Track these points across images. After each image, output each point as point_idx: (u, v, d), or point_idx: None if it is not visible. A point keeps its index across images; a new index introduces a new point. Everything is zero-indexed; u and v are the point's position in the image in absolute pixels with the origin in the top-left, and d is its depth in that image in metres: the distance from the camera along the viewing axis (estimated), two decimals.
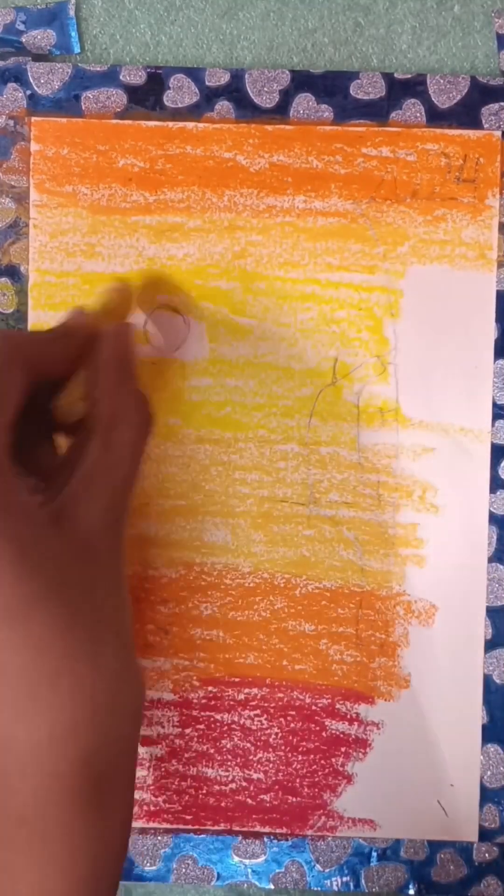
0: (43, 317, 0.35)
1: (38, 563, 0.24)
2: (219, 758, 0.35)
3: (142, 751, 0.35)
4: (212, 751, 0.35)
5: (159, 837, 0.35)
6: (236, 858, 0.35)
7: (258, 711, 0.35)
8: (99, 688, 0.24)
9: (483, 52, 0.35)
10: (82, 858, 0.24)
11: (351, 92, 0.35)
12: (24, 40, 0.35)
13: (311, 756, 0.35)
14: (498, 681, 0.35)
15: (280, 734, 0.35)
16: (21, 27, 0.35)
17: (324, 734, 0.35)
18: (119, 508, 0.27)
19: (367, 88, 0.35)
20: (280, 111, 0.35)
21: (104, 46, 0.35)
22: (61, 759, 0.23)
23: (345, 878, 0.34)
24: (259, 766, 0.35)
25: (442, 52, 0.35)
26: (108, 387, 0.28)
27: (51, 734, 0.23)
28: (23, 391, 0.26)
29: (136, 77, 0.35)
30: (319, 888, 0.35)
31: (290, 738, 0.35)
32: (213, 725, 0.35)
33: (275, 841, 0.35)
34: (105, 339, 0.29)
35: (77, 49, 0.35)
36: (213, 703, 0.35)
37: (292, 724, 0.35)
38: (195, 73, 0.35)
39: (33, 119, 0.35)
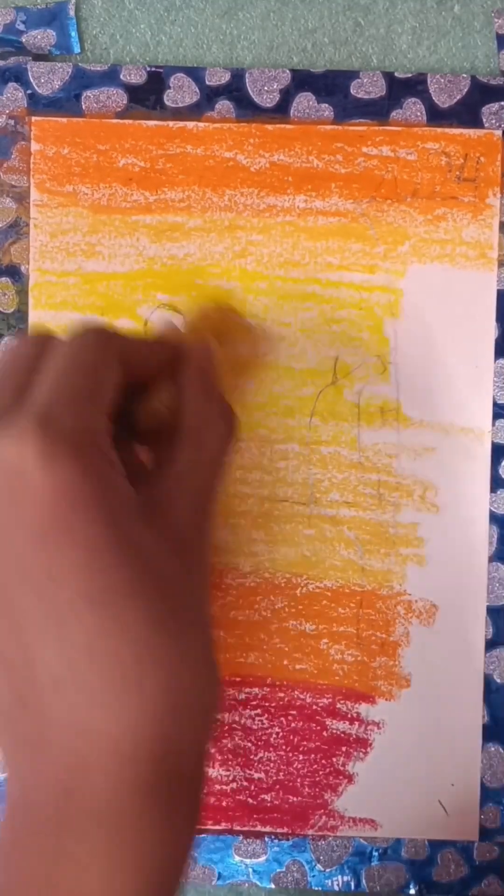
0: (44, 316, 0.35)
1: (133, 552, 0.24)
2: (220, 757, 0.35)
3: None
4: (213, 750, 0.35)
5: None
6: (237, 858, 0.35)
7: (259, 711, 0.35)
8: (183, 681, 0.24)
9: (483, 51, 0.35)
10: (151, 858, 0.24)
11: (351, 91, 0.35)
12: (24, 40, 0.35)
13: (312, 755, 0.35)
14: (498, 680, 0.35)
15: (281, 734, 0.35)
16: (21, 27, 0.35)
17: (325, 734, 0.35)
18: (208, 509, 0.28)
19: (368, 87, 0.35)
20: (280, 110, 0.35)
21: (104, 46, 0.35)
22: (140, 751, 0.23)
23: (346, 878, 0.34)
24: (260, 765, 0.35)
25: (442, 52, 0.35)
26: (197, 395, 0.29)
27: (132, 725, 0.23)
28: (119, 385, 0.27)
29: (136, 76, 0.35)
30: (320, 888, 0.35)
31: (291, 737, 0.35)
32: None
33: (276, 840, 0.35)
34: (193, 353, 0.31)
35: (77, 49, 0.35)
36: None
37: (293, 724, 0.35)
38: (195, 73, 0.35)
39: (34, 119, 0.35)
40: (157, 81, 0.35)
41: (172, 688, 0.23)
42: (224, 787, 0.35)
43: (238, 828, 0.35)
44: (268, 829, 0.35)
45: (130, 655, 0.23)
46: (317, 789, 0.35)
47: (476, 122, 0.34)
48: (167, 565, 0.25)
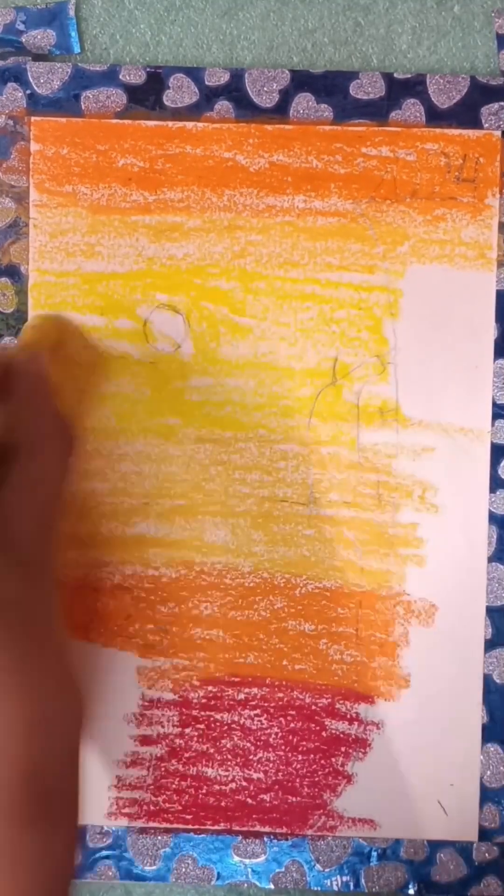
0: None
1: None
2: (219, 757, 0.35)
3: (142, 750, 0.35)
4: (212, 750, 0.35)
5: (159, 837, 0.35)
6: (236, 858, 0.35)
7: (258, 711, 0.35)
8: (35, 702, 0.24)
9: (483, 51, 0.35)
10: (26, 874, 0.24)
11: (351, 92, 0.35)
12: (24, 40, 0.35)
13: (311, 756, 0.35)
14: (498, 680, 0.35)
15: (280, 734, 0.35)
16: (21, 27, 0.35)
17: (324, 734, 0.35)
18: (48, 524, 0.28)
19: (367, 88, 0.35)
20: (280, 111, 0.35)
21: (104, 46, 0.35)
22: (8, 774, 0.23)
23: (345, 878, 0.34)
24: (259, 765, 0.35)
25: (442, 52, 0.35)
26: (28, 412, 0.29)
27: None
28: None
29: (135, 77, 0.35)
30: (319, 888, 0.35)
31: (290, 737, 0.35)
32: (213, 725, 0.35)
33: (275, 840, 0.35)
34: (23, 367, 0.30)
35: (77, 49, 0.35)
36: (213, 702, 0.35)
37: (292, 724, 0.35)
38: (195, 73, 0.35)
39: (33, 119, 0.35)
40: (156, 81, 0.35)
41: (23, 709, 0.23)
42: (223, 787, 0.35)
43: (237, 828, 0.35)
44: (267, 829, 0.35)
45: None
46: (316, 789, 0.35)
47: (475, 123, 0.34)
48: (6, 587, 0.25)
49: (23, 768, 0.23)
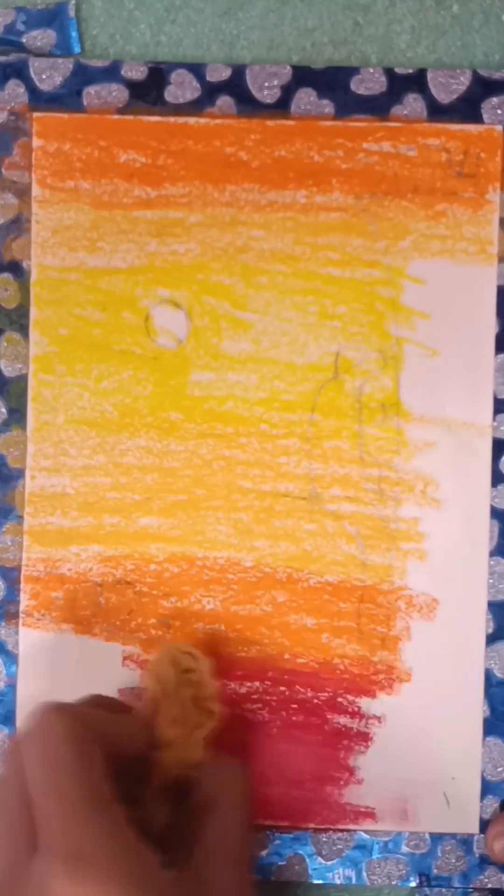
0: (46, 313, 0.35)
1: None
2: (221, 751, 0.35)
3: None
4: (214, 744, 0.35)
5: None
6: None
7: (260, 705, 0.35)
8: None
9: (482, 50, 0.35)
10: None
11: (352, 87, 0.35)
12: (24, 41, 0.35)
13: (313, 749, 0.35)
14: (499, 674, 0.35)
15: (282, 728, 0.35)
16: (21, 27, 0.35)
17: (326, 728, 0.35)
18: (242, 866, 0.29)
19: (368, 83, 0.35)
20: (281, 106, 0.35)
21: (104, 46, 0.36)
22: None
23: (347, 871, 0.35)
24: (261, 759, 0.35)
25: (441, 51, 0.35)
26: (208, 764, 0.30)
27: None
28: (104, 765, 0.27)
29: (137, 72, 0.35)
30: (321, 881, 0.35)
31: (292, 731, 0.35)
32: None
33: (277, 834, 0.35)
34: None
35: (77, 49, 0.35)
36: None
37: (294, 718, 0.35)
38: (196, 69, 0.35)
39: (35, 114, 0.35)
40: (157, 77, 0.35)
41: None
42: None
43: None
44: (269, 822, 0.35)
45: None
46: (318, 783, 0.35)
47: (476, 117, 0.35)
48: None
49: None
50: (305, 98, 0.35)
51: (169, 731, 0.30)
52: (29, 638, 0.35)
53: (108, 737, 0.28)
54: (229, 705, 0.35)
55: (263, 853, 0.35)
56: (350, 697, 0.35)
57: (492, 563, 0.35)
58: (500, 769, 0.35)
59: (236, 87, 0.35)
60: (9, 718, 0.35)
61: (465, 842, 0.35)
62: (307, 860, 0.35)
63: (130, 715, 0.31)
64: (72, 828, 0.25)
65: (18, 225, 0.35)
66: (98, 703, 0.31)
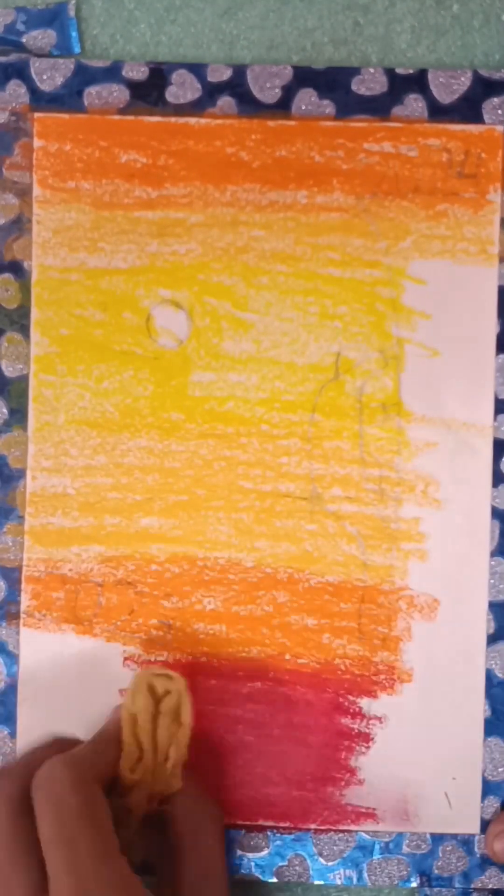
0: (47, 313, 0.35)
1: None
2: (222, 751, 0.35)
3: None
4: (215, 745, 0.35)
5: None
6: (239, 852, 0.35)
7: (261, 705, 0.35)
8: None
9: (482, 50, 0.35)
10: None
11: (353, 87, 0.35)
12: (24, 41, 0.35)
13: (314, 750, 0.35)
14: (500, 674, 0.35)
15: (283, 728, 0.35)
16: (21, 27, 0.35)
17: (326, 728, 0.35)
18: (223, 886, 0.32)
19: (369, 84, 0.35)
20: (282, 106, 0.35)
21: (104, 46, 0.36)
22: None
23: (348, 871, 0.35)
24: (262, 759, 0.35)
25: (441, 51, 0.35)
26: (182, 799, 0.31)
27: None
28: (110, 814, 0.28)
29: (138, 73, 0.35)
30: (322, 881, 0.35)
31: (293, 731, 0.35)
32: (216, 719, 0.35)
33: (278, 834, 0.35)
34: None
35: (77, 49, 0.35)
36: (216, 696, 0.35)
37: (295, 718, 0.35)
38: (197, 69, 0.35)
39: (36, 115, 0.35)
40: (158, 78, 0.35)
41: None
42: (226, 781, 0.35)
43: (240, 822, 0.35)
44: (270, 822, 0.35)
45: None
46: (319, 783, 0.35)
47: (477, 118, 0.35)
48: None
49: None
50: (306, 98, 0.35)
51: (132, 776, 0.30)
52: (30, 638, 0.35)
53: (107, 773, 0.30)
54: (229, 706, 0.35)
55: (264, 853, 0.35)
56: (351, 698, 0.35)
57: (492, 563, 0.35)
58: (500, 769, 0.35)
59: (237, 87, 0.35)
60: (9, 718, 0.35)
61: (466, 842, 0.35)
62: (308, 860, 0.35)
63: (106, 742, 0.31)
64: (80, 877, 0.26)
65: (19, 225, 0.35)
66: (61, 745, 0.31)
